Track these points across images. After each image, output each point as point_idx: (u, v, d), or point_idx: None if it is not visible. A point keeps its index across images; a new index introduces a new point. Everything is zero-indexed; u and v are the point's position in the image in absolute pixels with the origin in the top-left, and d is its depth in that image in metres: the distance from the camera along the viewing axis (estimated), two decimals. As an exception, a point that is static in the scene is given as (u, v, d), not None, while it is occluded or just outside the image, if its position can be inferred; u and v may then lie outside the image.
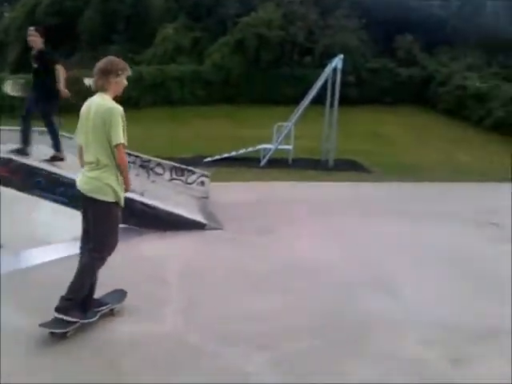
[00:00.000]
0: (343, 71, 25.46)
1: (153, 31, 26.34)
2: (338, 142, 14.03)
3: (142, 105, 22.44)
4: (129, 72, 3.28)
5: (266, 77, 23.56)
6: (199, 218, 5.84)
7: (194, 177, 7.45)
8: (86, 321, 3.28)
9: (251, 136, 16.21)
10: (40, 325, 3.11)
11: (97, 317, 3.35)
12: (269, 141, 13.85)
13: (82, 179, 3.26)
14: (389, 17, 25.24)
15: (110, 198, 3.18)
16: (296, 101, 14.31)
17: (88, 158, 3.20)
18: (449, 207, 7.73)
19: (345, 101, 25.22)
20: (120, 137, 3.06)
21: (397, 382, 2.93)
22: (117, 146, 3.08)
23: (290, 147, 13.47)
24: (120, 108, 3.14)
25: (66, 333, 3.13)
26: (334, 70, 13.08)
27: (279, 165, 13.09)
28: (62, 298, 3.22)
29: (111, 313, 3.56)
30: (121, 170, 3.19)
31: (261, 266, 4.67)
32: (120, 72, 3.19)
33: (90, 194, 3.17)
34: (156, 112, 21.73)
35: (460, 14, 25.92)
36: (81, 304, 3.26)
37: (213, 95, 23.16)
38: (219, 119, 22.62)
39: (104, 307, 3.45)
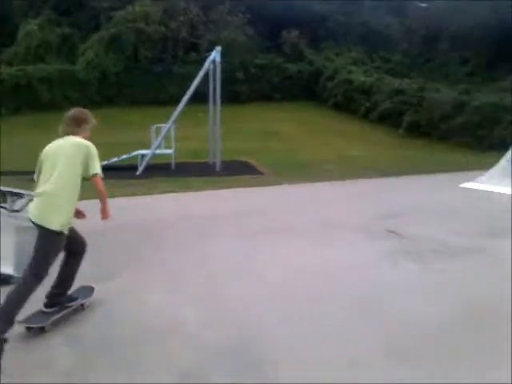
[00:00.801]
0: (232, 68, 24.55)
1: (13, 28, 23.06)
2: (229, 141, 12.82)
3: (3, 111, 19.32)
4: (94, 123, 3.62)
5: (148, 75, 21.71)
6: (5, 267, 4.07)
7: (21, 201, 5.56)
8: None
9: (132, 141, 14.36)
10: (18, 321, 3.17)
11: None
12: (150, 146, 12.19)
13: (34, 206, 3.37)
14: (272, 13, 24.79)
15: (55, 227, 3.22)
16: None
17: (45, 187, 3.29)
18: (345, 213, 6.72)
19: (234, 98, 24.49)
20: (99, 168, 3.33)
21: None
22: (95, 175, 3.31)
23: (170, 151, 11.91)
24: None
25: (43, 327, 3.29)
26: (214, 63, 11.79)
27: (160, 172, 11.49)
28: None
29: (82, 307, 3.69)
30: (101, 198, 3.46)
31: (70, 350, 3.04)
32: (90, 122, 3.57)
33: (35, 220, 3.27)
34: (19, 119, 18.79)
35: (341, 9, 26.24)
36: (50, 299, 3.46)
37: (89, 97, 20.73)
38: (97, 124, 20.34)
39: (74, 302, 3.61)
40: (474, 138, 17.46)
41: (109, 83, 21.27)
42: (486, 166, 10.44)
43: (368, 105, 21.55)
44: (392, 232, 5.54)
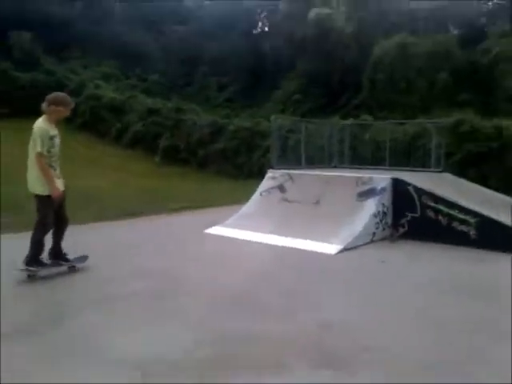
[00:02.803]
0: None
1: None
2: None
3: None
4: (71, 106, 4.49)
5: None
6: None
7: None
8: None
9: None
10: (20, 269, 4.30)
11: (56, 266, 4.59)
12: None
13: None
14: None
15: (39, 191, 4.35)
16: None
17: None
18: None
19: None
20: (38, 147, 4.20)
21: None
22: (36, 154, 4.24)
23: None
24: (45, 128, 4.29)
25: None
26: None
27: None
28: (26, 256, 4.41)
29: (74, 269, 4.66)
30: (43, 175, 4.31)
31: None
32: (60, 105, 4.38)
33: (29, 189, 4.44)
34: None
35: (87, 15, 22.61)
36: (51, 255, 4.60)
37: None
38: None
39: (66, 262, 4.63)
40: (234, 166, 16.05)
41: None
42: (243, 199, 8.36)
43: (119, 126, 18.36)
44: None
